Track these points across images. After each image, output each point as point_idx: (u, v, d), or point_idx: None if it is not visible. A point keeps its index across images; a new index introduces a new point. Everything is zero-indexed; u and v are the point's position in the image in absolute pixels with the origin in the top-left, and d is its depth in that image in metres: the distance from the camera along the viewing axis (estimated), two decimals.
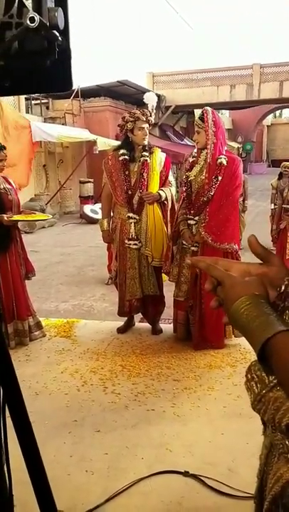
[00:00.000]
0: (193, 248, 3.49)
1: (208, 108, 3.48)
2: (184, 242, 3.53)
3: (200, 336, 3.54)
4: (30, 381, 3.09)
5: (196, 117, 3.48)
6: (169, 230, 3.76)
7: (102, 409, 2.77)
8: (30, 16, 0.72)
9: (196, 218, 3.48)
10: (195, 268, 3.48)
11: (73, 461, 2.31)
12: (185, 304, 3.61)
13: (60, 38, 0.79)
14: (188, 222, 3.51)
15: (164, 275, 3.88)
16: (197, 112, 3.75)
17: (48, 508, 1.10)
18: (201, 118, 3.40)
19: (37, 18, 0.73)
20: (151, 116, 3.68)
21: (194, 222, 3.49)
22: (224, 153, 3.47)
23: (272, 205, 7.63)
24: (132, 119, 3.60)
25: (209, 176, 3.43)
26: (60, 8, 0.77)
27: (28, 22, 0.73)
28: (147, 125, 3.65)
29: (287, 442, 0.71)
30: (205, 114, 3.38)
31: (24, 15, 0.73)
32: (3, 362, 1.04)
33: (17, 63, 0.80)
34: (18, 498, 1.32)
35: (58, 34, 0.78)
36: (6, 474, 1.07)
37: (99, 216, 12.13)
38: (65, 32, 0.81)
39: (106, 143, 12.83)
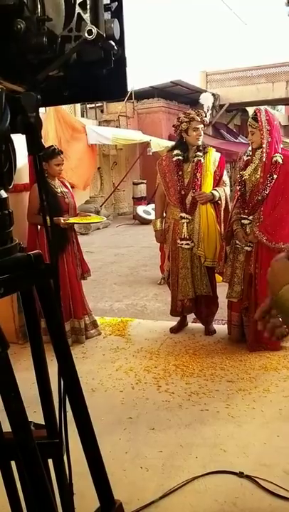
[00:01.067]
0: (247, 248, 3.45)
1: (261, 107, 3.43)
2: (238, 242, 3.50)
3: (255, 338, 3.49)
4: (86, 378, 3.18)
5: (250, 118, 3.44)
6: (223, 229, 3.74)
7: (156, 408, 2.81)
8: (88, 28, 0.77)
9: (251, 218, 3.44)
10: (249, 268, 3.45)
11: (128, 458, 2.35)
12: (239, 305, 3.57)
13: (116, 48, 0.83)
14: (243, 221, 3.47)
15: (218, 276, 3.86)
16: (251, 111, 3.69)
17: (106, 498, 1.14)
18: (255, 118, 3.35)
19: (94, 30, 0.77)
20: (206, 116, 3.68)
21: (248, 221, 3.45)
22: (280, 151, 3.41)
23: None
24: (186, 120, 3.62)
25: (264, 175, 3.38)
26: (116, 20, 0.81)
27: (86, 35, 0.77)
28: (202, 125, 3.65)
29: None
30: (258, 114, 3.33)
31: (82, 28, 0.78)
32: (65, 356, 1.09)
33: (75, 73, 0.85)
34: (77, 488, 1.38)
35: (114, 44, 0.82)
36: (66, 463, 1.12)
37: (151, 217, 12.26)
38: (120, 41, 0.85)
39: (159, 144, 12.89)
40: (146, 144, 13.12)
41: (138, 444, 2.46)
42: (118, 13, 0.83)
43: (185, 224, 3.70)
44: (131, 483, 2.16)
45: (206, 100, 3.90)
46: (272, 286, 0.82)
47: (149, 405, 2.84)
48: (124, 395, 2.97)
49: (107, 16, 0.81)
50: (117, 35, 0.82)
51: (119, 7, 0.83)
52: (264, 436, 2.47)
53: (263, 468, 2.20)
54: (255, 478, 2.12)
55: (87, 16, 0.78)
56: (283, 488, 2.03)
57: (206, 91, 16.71)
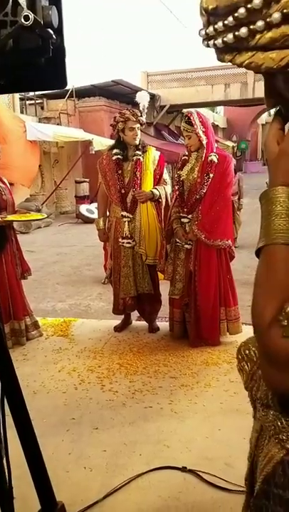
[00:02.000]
0: (186, 246, 3.52)
1: (192, 110, 3.49)
2: (178, 240, 3.55)
3: (196, 334, 3.56)
4: (27, 380, 3.10)
5: (182, 123, 3.47)
6: (163, 228, 3.78)
7: (100, 407, 2.78)
8: (25, 14, 0.74)
9: (190, 216, 3.51)
10: (189, 266, 3.51)
11: (72, 459, 2.32)
12: (180, 301, 3.62)
13: (54, 36, 0.81)
14: (182, 220, 3.53)
15: (160, 274, 3.89)
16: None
17: (47, 500, 1.11)
18: (189, 122, 3.40)
19: (31, 16, 0.74)
20: (142, 116, 3.65)
21: (188, 220, 3.52)
22: (215, 150, 3.49)
23: None
24: (122, 120, 3.62)
25: (201, 175, 3.45)
26: (54, 7, 0.79)
27: (23, 20, 0.74)
28: (138, 125, 3.64)
29: (278, 423, 0.73)
30: (191, 118, 3.39)
31: (19, 13, 0.75)
32: (3, 359, 1.05)
33: (12, 61, 0.81)
34: (18, 492, 1.34)
35: (52, 32, 0.79)
36: (6, 467, 1.08)
37: (95, 216, 12.13)
38: (59, 30, 0.82)
39: (101, 142, 12.83)
40: (89, 143, 13.02)
41: (81, 445, 2.43)
42: (56, 1, 0.80)
43: (126, 222, 3.70)
44: (74, 484, 2.13)
45: (142, 99, 3.89)
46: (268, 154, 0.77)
47: (93, 405, 2.81)
48: (67, 396, 2.92)
49: (45, 2, 0.78)
50: (55, 23, 0.79)
51: None
52: (206, 431, 2.52)
53: (205, 461, 2.24)
54: (198, 472, 2.15)
55: (23, 1, 0.75)
56: (225, 480, 2.08)
57: (146, 91, 16.83)
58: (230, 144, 26.29)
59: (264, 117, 35.04)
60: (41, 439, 2.37)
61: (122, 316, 4.04)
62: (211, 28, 0.64)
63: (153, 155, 3.78)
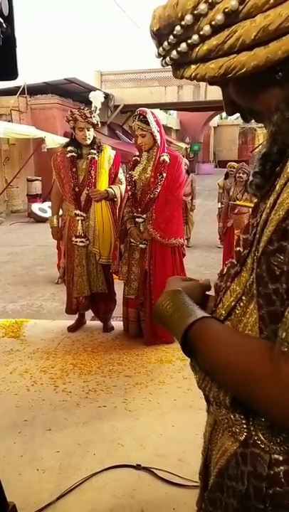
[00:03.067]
0: (141, 246, 3.53)
1: (145, 109, 3.49)
2: (132, 240, 3.55)
3: (151, 332, 3.58)
4: None
5: (136, 121, 3.41)
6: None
7: (53, 408, 2.74)
8: None
9: (144, 216, 3.52)
10: (144, 265, 3.52)
11: (24, 461, 2.27)
12: (136, 301, 3.63)
13: (4, 25, 0.78)
14: (136, 220, 3.54)
15: (114, 274, 3.88)
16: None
17: None
18: (145, 121, 3.38)
19: None
20: (91, 116, 3.56)
21: (142, 220, 3.52)
22: (166, 151, 3.53)
23: (220, 204, 7.83)
24: (71, 119, 3.59)
25: (154, 174, 3.47)
26: None
27: None
28: (88, 125, 3.59)
29: (232, 416, 0.74)
30: (147, 116, 3.39)
31: None
32: None
33: None
34: None
35: (1, 20, 0.77)
36: None
37: (47, 215, 11.98)
38: (9, 19, 0.80)
39: (54, 141, 12.64)
40: (41, 140, 12.79)
41: (34, 446, 2.38)
42: None
43: (80, 221, 3.67)
44: (27, 487, 2.09)
45: (95, 99, 3.85)
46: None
47: (46, 406, 2.76)
48: (19, 398, 2.86)
49: None
50: (5, 11, 0.77)
51: None
52: (160, 428, 2.53)
53: (159, 458, 2.26)
54: (152, 469, 2.17)
55: None
56: (178, 476, 2.10)
57: (100, 90, 16.75)
58: (183, 145, 26.64)
59: (216, 120, 35.79)
60: None
61: (76, 316, 3.99)
62: (160, 48, 0.70)
63: (108, 154, 3.76)
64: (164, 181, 3.46)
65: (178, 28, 0.64)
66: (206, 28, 0.62)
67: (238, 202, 5.75)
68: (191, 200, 8.41)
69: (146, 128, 3.40)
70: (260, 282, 0.65)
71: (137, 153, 3.62)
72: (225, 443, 0.79)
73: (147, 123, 3.38)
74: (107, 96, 17.79)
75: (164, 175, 3.46)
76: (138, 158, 3.59)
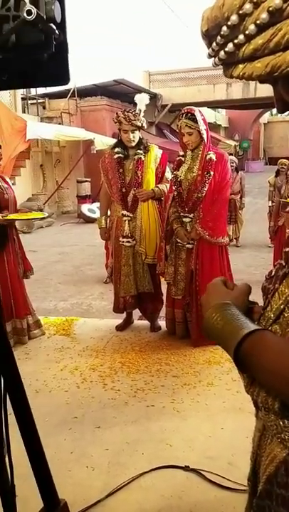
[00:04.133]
0: (188, 246, 3.50)
1: (193, 107, 3.46)
2: (179, 241, 3.53)
3: (199, 333, 3.55)
4: (29, 379, 3.10)
5: (184, 119, 3.39)
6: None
7: (102, 406, 2.78)
8: (28, 8, 0.73)
9: (191, 215, 3.49)
10: (190, 265, 3.51)
11: (74, 458, 2.31)
12: (182, 302, 3.61)
13: (57, 32, 0.80)
14: (183, 219, 3.52)
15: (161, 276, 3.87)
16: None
17: (50, 498, 1.11)
18: (193, 118, 3.37)
19: (34, 11, 0.73)
20: (136, 119, 3.57)
21: (189, 219, 3.50)
22: (211, 149, 3.50)
23: (270, 202, 7.65)
24: (115, 122, 3.62)
25: (202, 173, 3.44)
26: (57, 1, 0.78)
27: (25, 15, 0.73)
28: (132, 128, 3.60)
29: (280, 423, 0.72)
30: (195, 114, 3.37)
31: (21, 8, 0.74)
32: (6, 357, 1.05)
33: (14, 56, 0.81)
34: (20, 490, 1.33)
35: (55, 27, 0.79)
36: (8, 465, 1.08)
37: (96, 215, 12.12)
38: (62, 25, 0.82)
39: (103, 142, 12.82)
40: (90, 142, 13.01)
41: (83, 444, 2.43)
42: None
43: (127, 222, 3.70)
44: (76, 484, 2.13)
45: (140, 102, 3.86)
46: (204, 307, 0.86)
47: (95, 404, 2.81)
48: (70, 395, 2.92)
49: None
50: (58, 18, 0.79)
51: None
52: (208, 430, 2.51)
53: (207, 460, 2.24)
54: (201, 471, 2.15)
55: None
56: (228, 479, 2.07)
57: (149, 90, 16.81)
58: (232, 143, 26.25)
59: (266, 117, 35.02)
60: (43, 438, 2.36)
61: (124, 315, 4.03)
62: (210, 49, 0.71)
63: (155, 153, 3.77)
64: (211, 180, 3.43)
65: (224, 28, 0.66)
66: (252, 28, 0.63)
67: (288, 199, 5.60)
68: (240, 198, 8.27)
69: (194, 126, 3.38)
70: None
71: (181, 153, 3.61)
72: (274, 449, 0.77)
73: (195, 121, 3.36)
74: (154, 96, 17.87)
75: (212, 173, 3.43)
76: (182, 158, 3.58)
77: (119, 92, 16.40)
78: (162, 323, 4.03)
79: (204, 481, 2.10)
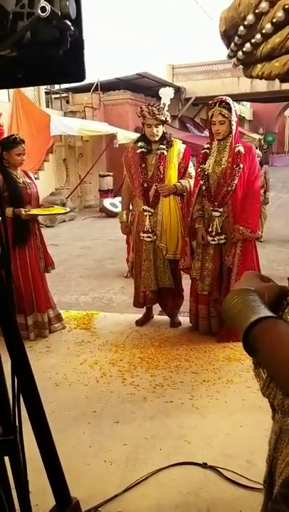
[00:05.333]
0: (213, 242, 3.47)
1: (227, 97, 3.41)
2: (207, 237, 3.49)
3: (225, 329, 3.51)
4: (50, 372, 3.14)
5: (218, 107, 3.32)
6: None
7: (121, 401, 2.79)
8: (42, 5, 0.72)
9: (221, 210, 3.45)
10: (218, 261, 3.47)
11: (92, 452, 2.33)
12: (208, 297, 3.58)
13: (72, 28, 0.79)
14: (213, 214, 3.46)
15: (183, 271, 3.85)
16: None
17: (61, 495, 1.12)
18: (228, 107, 3.31)
19: (48, 7, 0.72)
20: (160, 113, 3.55)
21: (219, 213, 3.46)
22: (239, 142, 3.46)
23: None
24: (139, 116, 3.60)
25: (231, 165, 3.39)
26: None
27: (40, 12, 0.72)
28: (156, 122, 3.57)
29: None
30: (230, 103, 3.32)
31: (35, 4, 0.73)
32: (18, 352, 1.05)
33: (29, 54, 0.80)
34: (38, 485, 1.35)
35: (69, 24, 0.78)
36: (21, 460, 1.09)
37: (118, 210, 12.12)
38: (77, 21, 0.81)
39: (126, 136, 12.81)
40: (113, 136, 13.01)
41: (102, 438, 2.44)
42: None
43: (148, 217, 3.69)
44: (94, 478, 2.14)
45: (165, 95, 3.81)
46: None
47: (114, 398, 2.82)
48: (89, 389, 2.94)
49: None
50: (73, 14, 0.78)
51: None
52: (227, 427, 2.49)
53: (226, 458, 2.22)
54: (219, 469, 2.14)
55: None
56: (246, 478, 2.06)
57: (172, 84, 16.70)
58: (256, 136, 25.90)
59: None
60: (63, 431, 2.41)
61: (144, 310, 4.03)
62: (229, 50, 0.72)
63: (178, 148, 3.74)
64: (240, 173, 3.39)
65: (241, 28, 0.66)
66: (268, 26, 0.62)
67: None
68: (264, 193, 8.15)
69: (228, 114, 3.32)
70: None
71: (206, 146, 3.56)
72: None
73: (230, 109, 3.31)
74: (178, 89, 17.73)
75: (241, 166, 3.38)
76: (207, 151, 3.53)
77: (143, 86, 16.33)
78: (182, 318, 4.02)
79: (222, 479, 2.09)
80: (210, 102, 3.46)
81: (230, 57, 0.73)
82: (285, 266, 6.41)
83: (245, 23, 0.64)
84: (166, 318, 4.05)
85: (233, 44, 0.69)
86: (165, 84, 15.57)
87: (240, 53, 0.68)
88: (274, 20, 0.61)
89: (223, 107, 3.32)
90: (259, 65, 0.67)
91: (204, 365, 3.21)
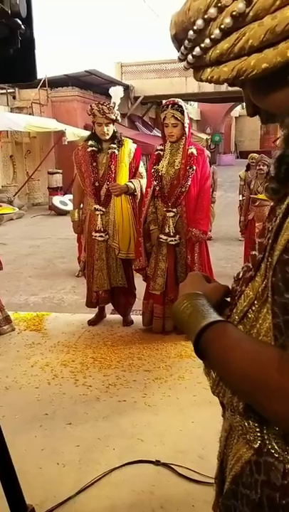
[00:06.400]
0: (171, 242, 3.50)
1: (179, 100, 3.45)
2: (161, 236, 3.51)
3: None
4: None
5: (170, 109, 3.34)
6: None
7: (74, 402, 2.77)
8: None
9: (175, 210, 3.48)
10: (172, 260, 3.51)
11: (45, 454, 2.30)
12: (162, 297, 3.61)
13: (22, 27, 0.78)
14: (168, 214, 3.48)
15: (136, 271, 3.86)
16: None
17: (16, 504, 1.09)
18: (180, 110, 3.34)
19: None
20: (110, 112, 3.54)
21: (173, 214, 3.49)
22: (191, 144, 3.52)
23: (241, 196, 7.74)
24: (89, 114, 3.58)
25: (184, 167, 3.44)
26: None
27: None
28: (107, 121, 3.57)
29: (246, 424, 0.73)
30: (183, 106, 3.36)
31: None
32: None
33: None
34: None
35: (20, 22, 0.76)
36: None
37: (68, 207, 12.04)
38: (28, 20, 0.79)
39: (75, 133, 12.67)
40: (62, 133, 12.83)
41: (54, 440, 2.41)
42: None
43: (99, 216, 3.67)
44: (47, 481, 2.11)
45: (115, 95, 3.81)
46: (178, 294, 0.88)
47: (66, 400, 2.79)
48: (40, 391, 2.89)
49: None
50: (23, 13, 0.76)
51: None
52: (179, 424, 2.53)
53: (178, 454, 2.26)
54: (171, 465, 2.17)
55: None
56: (198, 473, 2.10)
57: (121, 82, 16.69)
58: (204, 136, 26.39)
59: (238, 110, 35.31)
60: (14, 435, 2.35)
61: (96, 310, 4.01)
62: (179, 53, 0.71)
63: (129, 148, 3.74)
64: (193, 174, 3.45)
65: (191, 32, 0.66)
66: (216, 32, 0.63)
67: (259, 195, 5.67)
68: (212, 192, 8.33)
69: (181, 117, 3.35)
70: (276, 291, 0.64)
71: (159, 147, 3.58)
72: (240, 449, 0.78)
73: (182, 112, 3.35)
74: (127, 87, 17.74)
75: (194, 168, 3.44)
76: (161, 152, 3.55)
77: (91, 83, 16.21)
78: (135, 317, 4.03)
79: (175, 475, 2.12)
80: (162, 104, 3.49)
81: (180, 60, 0.73)
82: (233, 263, 6.58)
83: (195, 27, 0.65)
84: (118, 317, 4.05)
85: (183, 47, 0.69)
86: (114, 82, 15.55)
87: (190, 57, 0.69)
88: (222, 26, 0.62)
89: (176, 109, 3.35)
90: (208, 69, 0.68)
91: (156, 363, 3.24)
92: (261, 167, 5.91)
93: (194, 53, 0.67)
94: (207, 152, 7.64)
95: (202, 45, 0.65)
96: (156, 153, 3.58)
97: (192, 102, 27.60)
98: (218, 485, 0.92)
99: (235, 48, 0.63)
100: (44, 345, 3.57)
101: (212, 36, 0.64)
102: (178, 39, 0.70)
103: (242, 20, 0.61)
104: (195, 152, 3.45)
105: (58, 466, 2.22)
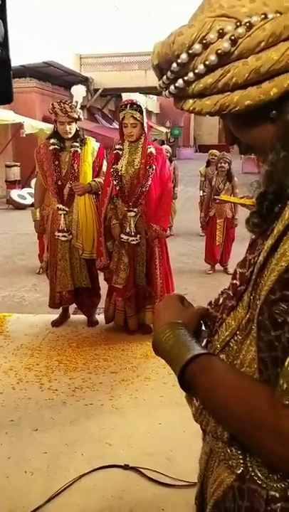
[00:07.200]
0: (132, 242, 3.49)
1: (135, 98, 3.43)
2: (122, 236, 3.51)
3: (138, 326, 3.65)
4: None
5: (129, 109, 3.33)
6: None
7: (39, 407, 2.73)
8: None
9: (136, 210, 3.48)
10: (132, 258, 3.53)
11: (11, 463, 2.27)
12: (124, 291, 3.61)
13: None
14: (129, 214, 3.48)
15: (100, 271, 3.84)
16: (126, 97, 3.62)
17: None
18: (139, 109, 3.33)
19: None
20: (72, 111, 3.49)
21: (134, 213, 3.48)
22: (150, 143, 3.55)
23: (201, 192, 7.82)
24: (51, 113, 3.53)
25: (144, 167, 3.44)
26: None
27: None
28: (69, 119, 3.52)
29: (228, 450, 0.74)
30: (142, 105, 3.36)
31: None
32: None
33: None
34: None
35: None
36: None
37: (27, 201, 11.81)
38: (4, 44, 0.77)
39: (33, 126, 12.39)
40: (20, 125, 12.52)
41: (21, 447, 2.38)
42: (2, 15, 0.75)
43: (62, 215, 3.62)
44: (15, 490, 2.09)
45: (77, 93, 3.75)
46: (157, 320, 0.88)
47: (32, 405, 2.75)
48: (4, 397, 2.84)
49: None
50: (1, 38, 0.74)
51: (3, 8, 0.75)
52: (147, 426, 2.55)
53: (146, 457, 2.28)
54: (140, 469, 2.19)
55: None
56: (166, 476, 2.13)
57: (79, 74, 16.45)
58: (163, 129, 26.43)
59: None
60: None
61: (60, 310, 3.97)
62: (161, 82, 0.71)
63: (92, 147, 3.71)
64: (153, 174, 3.46)
65: (174, 65, 0.66)
66: (201, 67, 0.64)
67: (221, 196, 5.76)
68: (173, 187, 8.37)
69: (140, 117, 3.35)
70: (262, 329, 0.65)
71: (118, 146, 3.56)
72: (221, 474, 0.79)
73: (141, 112, 3.35)
74: (86, 80, 17.52)
75: (154, 167, 3.45)
76: (119, 152, 3.54)
77: (50, 75, 15.89)
78: (99, 317, 4.02)
79: (144, 479, 2.14)
80: (121, 103, 3.49)
81: (161, 88, 0.73)
82: (195, 259, 6.66)
83: (179, 61, 0.65)
84: (82, 317, 4.02)
85: (165, 77, 0.69)
86: (73, 74, 15.32)
87: (172, 87, 0.69)
88: (206, 62, 0.63)
89: (135, 109, 3.34)
90: (190, 101, 0.68)
91: (122, 364, 3.24)
92: (222, 165, 5.99)
93: (177, 85, 0.67)
94: (167, 147, 7.68)
95: (185, 78, 0.66)
96: (115, 152, 3.55)
97: (152, 95, 27.56)
98: (198, 506, 0.94)
99: (219, 84, 0.64)
100: (7, 348, 3.50)
101: (196, 71, 0.64)
102: (160, 69, 0.70)
103: (227, 58, 0.62)
104: (154, 151, 3.47)
105: (26, 474, 2.19)
